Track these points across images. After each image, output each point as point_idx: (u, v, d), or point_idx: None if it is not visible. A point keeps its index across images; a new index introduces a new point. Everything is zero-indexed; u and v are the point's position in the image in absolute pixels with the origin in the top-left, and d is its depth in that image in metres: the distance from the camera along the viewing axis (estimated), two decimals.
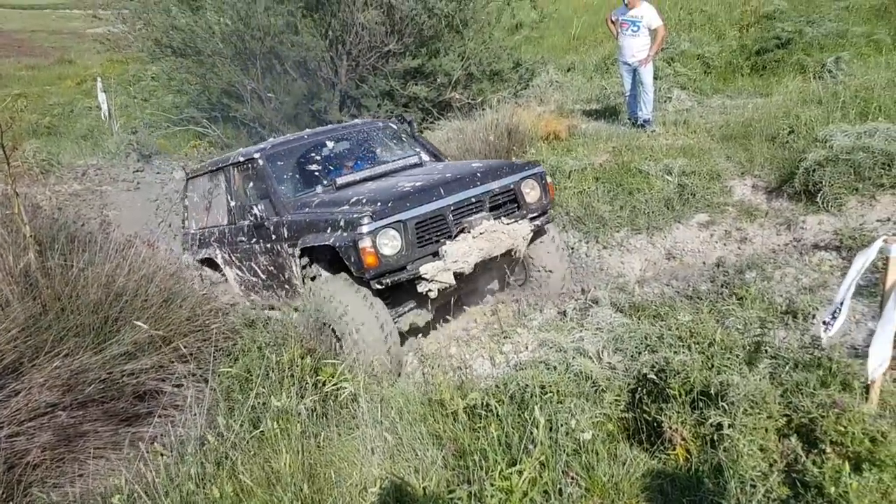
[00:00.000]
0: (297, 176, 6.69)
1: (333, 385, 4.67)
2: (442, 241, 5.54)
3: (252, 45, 12.61)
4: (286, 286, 6.48)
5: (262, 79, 13.22)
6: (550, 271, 6.52)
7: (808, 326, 4.66)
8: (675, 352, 3.42)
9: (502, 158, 8.74)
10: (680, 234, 6.92)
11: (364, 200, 5.54)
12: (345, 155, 7.13)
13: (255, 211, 6.39)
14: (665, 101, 10.85)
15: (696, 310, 5.34)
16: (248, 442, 4.14)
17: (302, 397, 4.53)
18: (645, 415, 3.42)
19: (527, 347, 6.00)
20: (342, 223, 5.35)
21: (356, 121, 7.67)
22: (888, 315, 2.90)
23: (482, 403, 3.62)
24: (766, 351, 3.48)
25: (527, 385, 3.50)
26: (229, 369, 4.67)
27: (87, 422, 4.42)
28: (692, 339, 3.50)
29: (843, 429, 2.82)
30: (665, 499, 3.08)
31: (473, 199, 5.72)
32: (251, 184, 6.71)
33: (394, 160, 6.97)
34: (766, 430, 2.99)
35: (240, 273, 7.20)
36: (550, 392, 3.46)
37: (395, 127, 7.55)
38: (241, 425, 4.27)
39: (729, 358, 3.30)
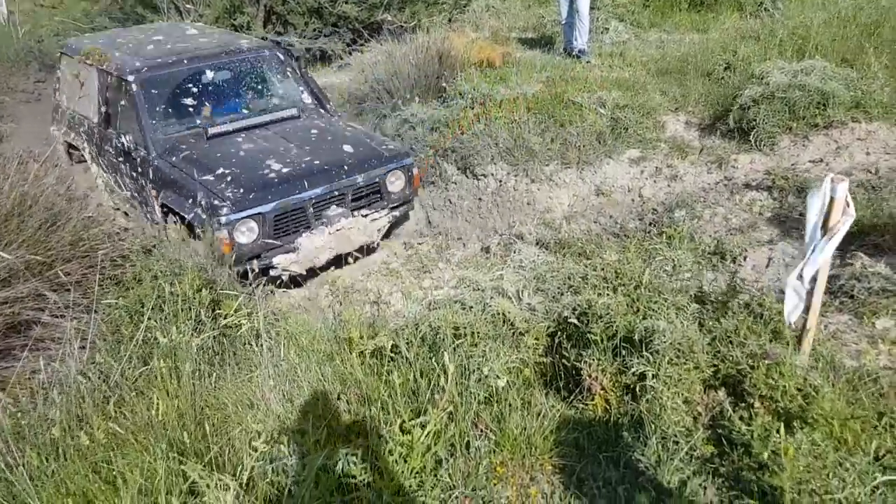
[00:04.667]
0: (171, 109, 6.25)
1: (233, 321, 4.29)
2: (300, 231, 5.57)
3: None
4: (148, 213, 6.24)
5: None
6: None
7: (737, 268, 4.50)
8: (599, 294, 3.15)
9: (433, 84, 8.29)
10: (610, 170, 6.67)
11: (229, 179, 5.43)
12: (223, 89, 6.63)
13: (124, 140, 6.08)
14: (602, 33, 10.49)
15: (622, 248, 5.15)
16: (133, 382, 3.75)
17: (199, 333, 4.15)
18: (564, 360, 3.17)
19: (447, 283, 5.73)
20: (202, 202, 5.27)
21: (242, 42, 7.02)
22: (812, 257, 2.67)
23: (390, 346, 3.31)
24: (694, 295, 3.25)
25: (439, 326, 3.19)
26: (115, 301, 4.21)
27: None
28: (618, 280, 3.24)
29: (773, 382, 2.62)
30: (580, 454, 2.85)
31: (336, 193, 5.70)
32: (123, 102, 6.25)
33: (272, 108, 6.68)
34: (692, 382, 2.77)
35: (105, 175, 6.92)
36: (464, 334, 3.17)
37: (281, 58, 7.01)
38: (128, 361, 3.89)
39: (656, 302, 3.06)
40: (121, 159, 6.31)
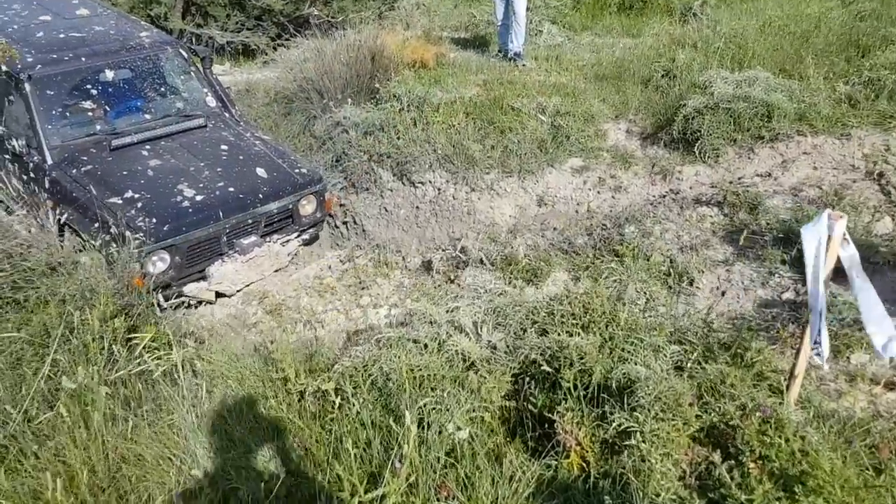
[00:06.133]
0: (69, 113, 5.75)
1: (151, 353, 3.84)
2: (212, 259, 5.39)
3: None
4: (37, 217, 5.60)
5: None
6: None
7: (694, 291, 4.33)
8: (570, 333, 2.88)
9: (365, 84, 7.89)
10: (553, 179, 6.45)
11: (139, 206, 5.12)
12: (124, 91, 6.11)
13: (15, 144, 5.57)
14: (536, 35, 10.31)
15: (573, 267, 4.93)
16: (35, 428, 3.28)
17: (112, 368, 3.69)
18: (531, 404, 2.89)
19: (386, 300, 5.40)
20: (111, 229, 4.92)
21: (143, 35, 6.46)
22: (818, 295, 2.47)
23: (336, 390, 2.95)
24: (670, 333, 3.02)
25: (391, 370, 2.86)
26: (15, 333, 3.69)
27: None
28: (587, 316, 2.98)
29: (767, 439, 2.40)
30: None
31: (250, 221, 5.53)
32: (11, 98, 5.67)
33: (175, 113, 6.23)
34: (679, 439, 2.53)
35: None
36: (420, 378, 2.84)
37: (184, 57, 6.53)
38: (31, 402, 3.40)
39: (632, 343, 2.81)
40: (7, 157, 5.78)
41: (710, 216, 5.15)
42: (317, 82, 7.94)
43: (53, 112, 5.61)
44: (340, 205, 6.95)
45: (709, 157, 5.97)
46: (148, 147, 5.70)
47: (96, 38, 6.19)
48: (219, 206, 5.31)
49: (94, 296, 4.14)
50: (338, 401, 2.84)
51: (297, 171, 5.96)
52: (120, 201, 5.11)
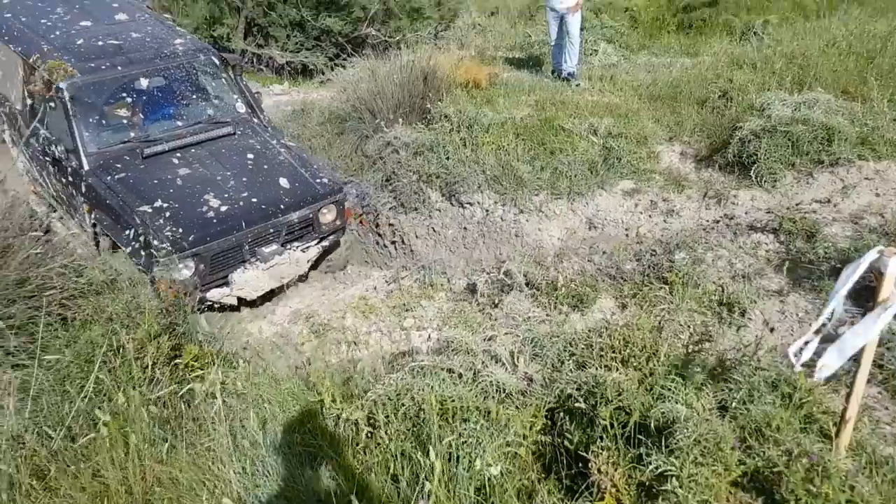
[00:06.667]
0: (104, 121, 5.97)
1: (195, 371, 3.87)
2: (234, 266, 5.60)
3: None
4: (74, 218, 6.15)
5: None
6: None
7: (745, 322, 4.17)
8: (608, 367, 2.79)
9: (417, 105, 7.91)
10: (603, 202, 6.34)
11: (167, 215, 5.33)
12: (158, 98, 6.33)
13: (56, 149, 5.79)
14: (591, 54, 10.22)
15: (619, 293, 4.81)
16: (77, 448, 3.33)
17: (153, 387, 3.74)
18: (566, 441, 2.80)
19: (430, 323, 5.36)
20: (141, 237, 5.19)
21: (177, 43, 6.68)
22: (865, 329, 2.34)
23: (368, 418, 2.92)
24: (713, 369, 2.90)
25: (423, 401, 2.81)
26: (61, 355, 3.76)
27: None
28: (627, 349, 2.88)
29: (814, 489, 2.27)
30: None
31: (272, 230, 5.72)
32: (52, 105, 5.86)
33: (206, 120, 6.41)
34: (720, 485, 2.41)
35: (28, 166, 6.72)
36: (452, 411, 2.79)
37: (216, 64, 6.72)
38: (74, 420, 3.46)
39: (673, 380, 2.70)
40: (48, 159, 6.04)
41: (766, 243, 4.97)
42: (370, 102, 8.00)
43: (91, 120, 5.84)
44: (389, 224, 6.98)
45: (765, 181, 5.78)
46: (178, 155, 5.92)
47: (133, 45, 6.45)
48: (242, 217, 5.50)
49: (140, 314, 4.22)
50: (368, 430, 2.81)
51: (318, 181, 6.08)
52: (150, 210, 5.31)
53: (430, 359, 3.15)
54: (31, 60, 6.07)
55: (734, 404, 2.67)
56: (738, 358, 2.92)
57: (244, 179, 5.83)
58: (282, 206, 5.73)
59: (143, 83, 6.18)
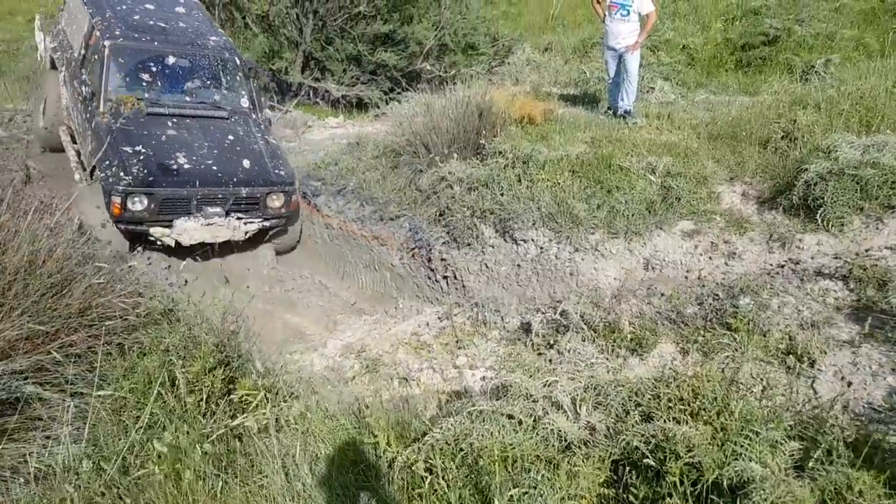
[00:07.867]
0: (129, 77, 7.29)
1: (248, 403, 3.85)
2: (180, 215, 6.71)
3: None
4: (83, 147, 7.39)
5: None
6: None
7: (815, 373, 3.99)
8: (676, 420, 2.68)
9: (471, 140, 7.92)
10: (661, 243, 6.20)
11: (141, 157, 6.62)
12: (178, 75, 7.61)
13: (87, 91, 7.20)
14: (647, 92, 10.14)
15: (681, 338, 4.67)
16: (130, 481, 3.32)
17: (210, 415, 3.73)
18: (632, 495, 2.68)
19: (483, 362, 5.28)
20: (114, 168, 6.46)
21: (211, 38, 8.11)
22: None
23: (424, 461, 2.84)
24: (791, 426, 2.76)
25: (482, 448, 2.73)
26: (117, 389, 3.77)
27: None
28: (696, 402, 2.77)
29: None
30: None
31: (220, 196, 6.90)
32: (96, 57, 7.28)
33: (210, 104, 7.67)
34: None
35: (67, 99, 7.97)
36: (512, 459, 2.70)
37: (237, 63, 8.00)
38: (129, 451, 3.45)
39: (746, 435, 2.58)
40: (80, 97, 7.35)
41: (835, 291, 4.78)
42: (424, 137, 8.04)
43: (118, 74, 7.17)
44: (442, 259, 6.94)
45: (832, 225, 5.58)
46: (174, 120, 7.17)
47: (175, 31, 7.84)
48: (198, 176, 6.74)
49: (196, 347, 4.22)
50: (428, 477, 2.73)
51: (276, 171, 7.33)
52: (130, 151, 6.61)
53: (489, 403, 3.07)
54: (94, 21, 7.48)
55: (812, 464, 2.54)
56: (815, 414, 2.77)
57: (214, 151, 7.07)
58: (234, 180, 6.94)
59: (171, 60, 7.52)
